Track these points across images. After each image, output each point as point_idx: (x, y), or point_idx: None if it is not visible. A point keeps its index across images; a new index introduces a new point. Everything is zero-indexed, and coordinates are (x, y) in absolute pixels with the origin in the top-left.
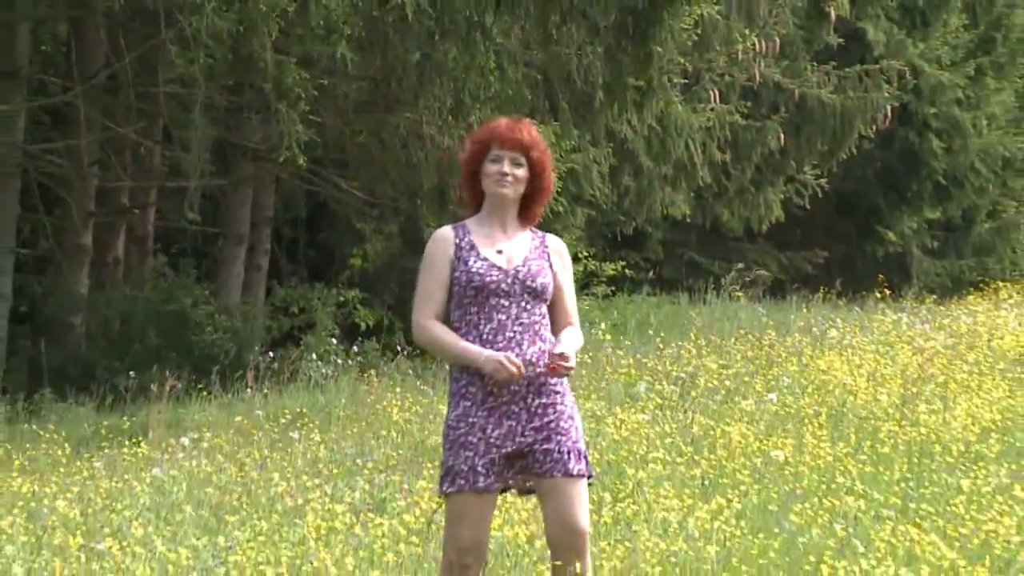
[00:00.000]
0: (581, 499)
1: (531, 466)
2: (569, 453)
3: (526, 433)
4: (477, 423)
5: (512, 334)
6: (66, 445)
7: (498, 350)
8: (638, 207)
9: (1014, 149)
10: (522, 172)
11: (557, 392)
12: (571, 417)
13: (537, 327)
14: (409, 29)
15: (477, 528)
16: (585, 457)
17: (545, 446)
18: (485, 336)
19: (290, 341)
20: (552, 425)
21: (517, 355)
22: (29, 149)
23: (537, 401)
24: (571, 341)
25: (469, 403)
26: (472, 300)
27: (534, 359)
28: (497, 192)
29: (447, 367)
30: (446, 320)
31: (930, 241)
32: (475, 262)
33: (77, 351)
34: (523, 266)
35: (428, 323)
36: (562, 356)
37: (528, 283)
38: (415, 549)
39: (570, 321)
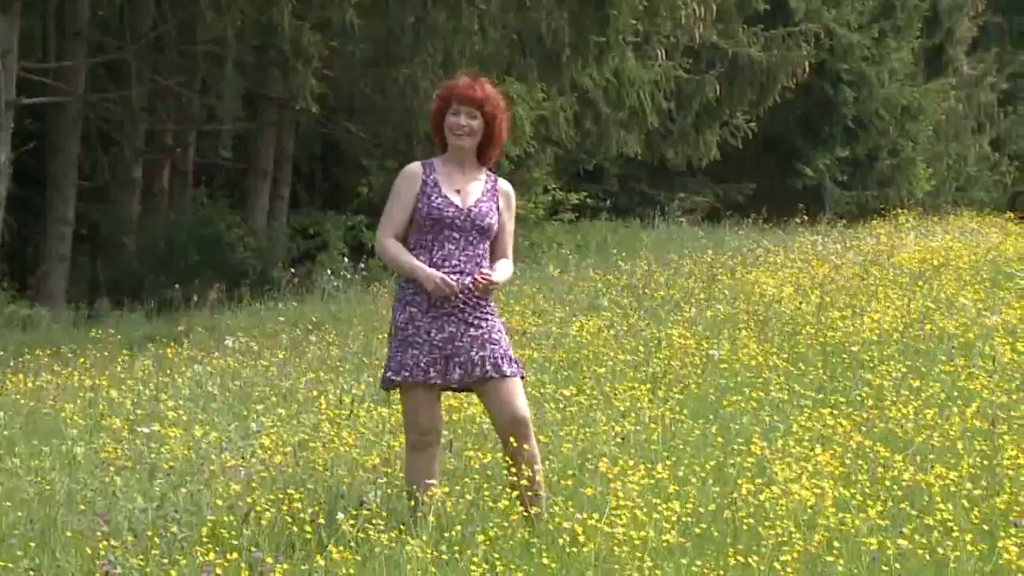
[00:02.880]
0: (517, 394)
1: (471, 370)
2: (501, 358)
3: (464, 339)
4: (422, 327)
5: (457, 262)
6: (121, 346)
7: (444, 273)
8: (598, 147)
9: (911, 98)
10: (477, 123)
11: (488, 311)
12: (500, 331)
13: (479, 259)
14: None
15: (431, 413)
16: (516, 361)
17: (481, 353)
18: (435, 260)
19: (307, 259)
20: (485, 336)
21: (457, 280)
22: (89, 98)
23: (473, 314)
24: (503, 269)
25: (415, 309)
26: (429, 229)
27: (469, 283)
28: (455, 142)
29: (396, 277)
30: (404, 241)
31: (840, 175)
32: (436, 198)
33: (129, 267)
34: (475, 207)
35: (387, 241)
36: (487, 277)
37: (478, 221)
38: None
39: (506, 254)
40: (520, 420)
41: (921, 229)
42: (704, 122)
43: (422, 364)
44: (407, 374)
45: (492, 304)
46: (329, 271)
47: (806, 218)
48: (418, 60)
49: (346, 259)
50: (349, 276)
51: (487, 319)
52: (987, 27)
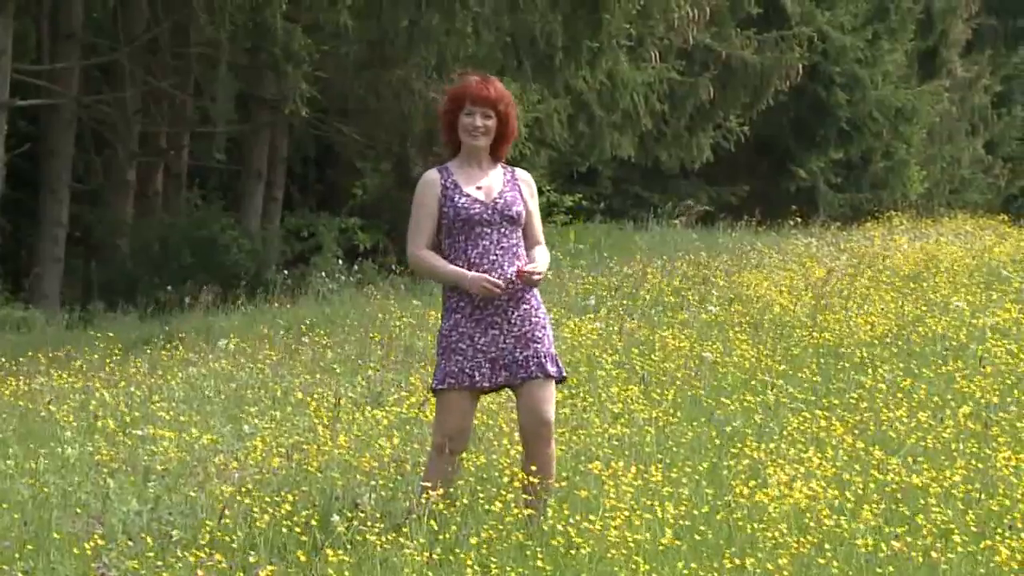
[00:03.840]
0: (550, 396)
1: (516, 371)
2: (546, 357)
3: (507, 340)
4: (466, 332)
5: (495, 257)
6: (114, 348)
7: (484, 270)
8: (591, 149)
9: (904, 101)
10: (492, 123)
11: (532, 305)
12: (544, 327)
13: (515, 249)
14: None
15: (462, 419)
16: (558, 362)
17: (525, 353)
18: (472, 259)
19: (301, 261)
20: (529, 334)
21: (499, 275)
22: (83, 100)
23: (516, 313)
24: (541, 257)
25: (459, 316)
26: (460, 230)
27: (512, 276)
28: (471, 143)
29: (440, 287)
30: (436, 249)
31: (834, 177)
32: (460, 198)
33: (123, 269)
34: (500, 198)
35: (421, 252)
36: (531, 270)
37: (505, 212)
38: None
39: (539, 240)
40: (546, 423)
41: (915, 231)
42: (697, 124)
43: (467, 370)
44: (452, 380)
45: (537, 297)
46: (323, 273)
47: (799, 220)
48: (411, 62)
49: (340, 261)
50: (343, 278)
51: (531, 316)
52: (981, 29)
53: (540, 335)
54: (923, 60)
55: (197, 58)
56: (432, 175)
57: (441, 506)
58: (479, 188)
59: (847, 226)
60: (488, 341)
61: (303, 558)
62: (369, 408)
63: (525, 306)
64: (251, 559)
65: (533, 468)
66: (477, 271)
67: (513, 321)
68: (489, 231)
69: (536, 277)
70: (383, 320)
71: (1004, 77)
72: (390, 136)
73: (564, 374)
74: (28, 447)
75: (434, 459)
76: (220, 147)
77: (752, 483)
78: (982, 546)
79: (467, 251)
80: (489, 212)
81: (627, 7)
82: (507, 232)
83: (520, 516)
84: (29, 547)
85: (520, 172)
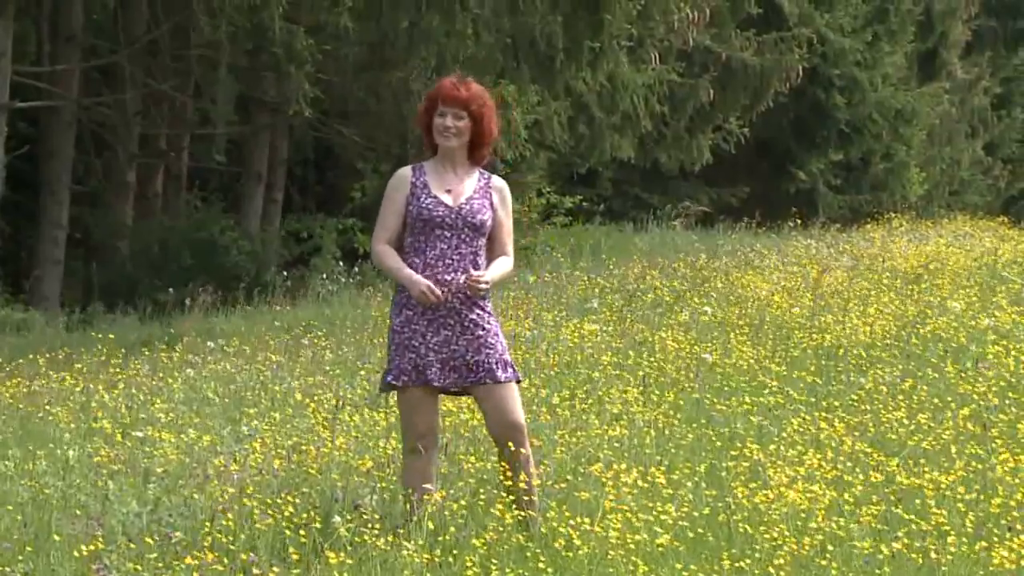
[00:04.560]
0: (513, 399)
1: (467, 375)
2: (496, 363)
3: (459, 342)
4: (419, 330)
5: (451, 261)
6: (114, 350)
7: (436, 273)
8: (591, 151)
9: (904, 102)
10: (464, 123)
11: (485, 312)
12: (496, 335)
13: (474, 256)
14: (399, 1)
15: (429, 416)
16: (511, 366)
17: (476, 357)
18: (428, 261)
19: (301, 263)
20: (481, 340)
21: (452, 278)
22: (83, 102)
23: (469, 317)
24: (496, 268)
25: (411, 312)
26: (420, 230)
27: (462, 282)
28: (443, 144)
29: (392, 282)
30: (400, 244)
31: (834, 179)
32: (425, 199)
33: (123, 271)
34: (466, 204)
35: (381, 247)
36: (476, 278)
37: (469, 219)
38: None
39: (505, 252)
40: (514, 425)
41: (914, 233)
42: (697, 126)
43: (420, 367)
44: (405, 378)
45: (489, 305)
46: (323, 275)
47: (799, 222)
48: (411, 64)
49: (340, 263)
50: (343, 280)
51: (484, 322)
52: (980, 31)
53: (492, 341)
54: (923, 62)
55: (197, 60)
56: (405, 172)
57: (448, 506)
58: (448, 191)
59: (847, 228)
60: (440, 341)
61: (303, 560)
62: (368, 410)
63: (479, 311)
64: (251, 561)
65: (509, 473)
66: (430, 272)
67: (466, 324)
68: (449, 235)
69: (482, 286)
70: (382, 321)
71: (1004, 79)
72: (390, 138)
73: (519, 376)
74: (28, 449)
75: (411, 462)
76: (220, 149)
77: (752, 485)
78: (980, 547)
79: (425, 252)
80: (452, 216)
81: (627, 9)
82: (468, 238)
83: (518, 518)
84: (29, 549)
85: (496, 180)
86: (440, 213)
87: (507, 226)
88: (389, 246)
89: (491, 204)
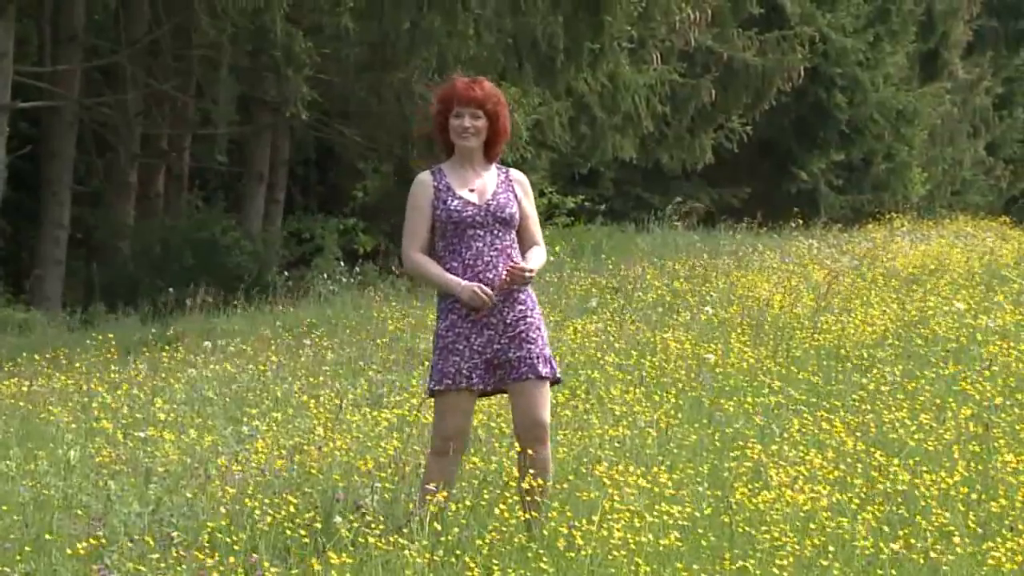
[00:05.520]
0: (544, 397)
1: (509, 372)
2: (538, 358)
3: (502, 341)
4: (463, 333)
5: (489, 258)
6: (115, 350)
7: (477, 273)
8: (592, 151)
9: (906, 102)
10: (481, 123)
11: (527, 306)
12: (539, 328)
13: (509, 250)
14: (401, 1)
15: (461, 420)
16: (552, 363)
17: (518, 353)
18: (466, 261)
19: (302, 263)
20: (523, 335)
21: (494, 276)
22: (84, 102)
23: (511, 313)
24: (534, 257)
25: (456, 316)
26: (453, 233)
27: (503, 274)
28: (462, 144)
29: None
30: (431, 251)
31: (835, 179)
32: (452, 201)
33: (124, 271)
34: (492, 200)
35: (416, 256)
36: (520, 268)
37: (498, 214)
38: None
39: (536, 241)
40: (541, 424)
41: (916, 233)
42: (699, 126)
43: (464, 371)
44: (449, 382)
45: (531, 297)
46: (324, 275)
47: (801, 222)
48: (413, 64)
49: (341, 263)
50: (344, 280)
51: (525, 317)
52: (982, 31)
53: (534, 336)
54: (924, 62)
55: (198, 60)
56: (425, 177)
57: (452, 507)
58: (472, 190)
59: (848, 228)
60: (484, 342)
61: (305, 560)
62: (370, 410)
63: (520, 307)
64: (253, 561)
65: (531, 471)
66: (471, 273)
67: (508, 322)
68: (482, 233)
69: (527, 275)
70: (384, 322)
71: (1005, 79)
72: (391, 138)
73: (558, 375)
74: (29, 449)
75: (434, 462)
76: (221, 149)
77: (754, 485)
78: (983, 547)
79: (461, 253)
80: (482, 214)
81: (628, 9)
82: (500, 234)
83: (522, 518)
84: (30, 549)
85: (514, 173)
86: (470, 212)
87: (533, 216)
88: (423, 254)
89: (515, 197)
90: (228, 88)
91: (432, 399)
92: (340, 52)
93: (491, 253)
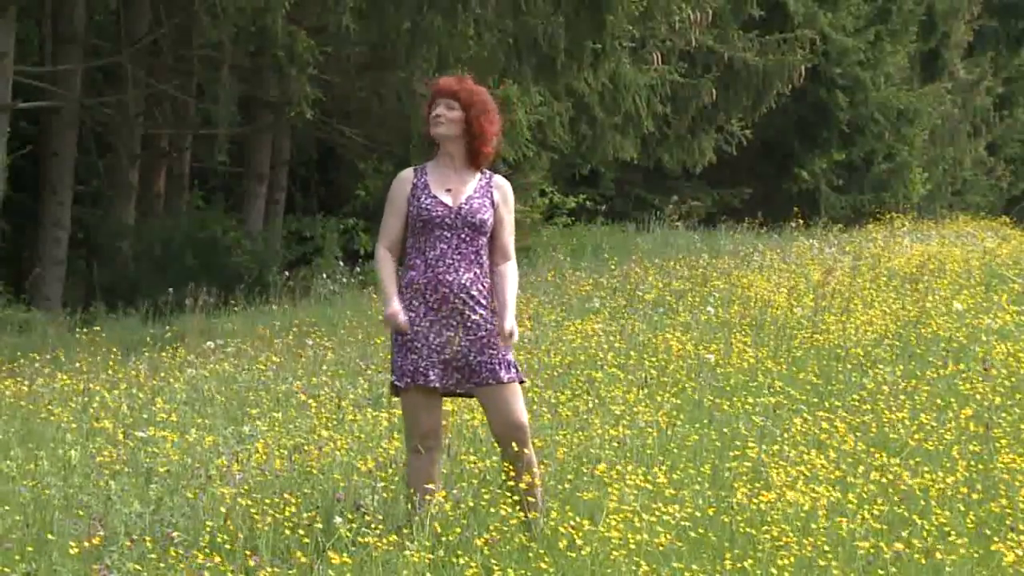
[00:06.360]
0: (516, 400)
1: (469, 376)
2: (499, 364)
3: (462, 343)
4: (420, 331)
5: (452, 261)
6: (115, 350)
7: (438, 274)
8: (593, 151)
9: (906, 102)
10: (455, 115)
11: (487, 312)
12: (498, 335)
13: (474, 256)
14: (401, 1)
15: (432, 416)
16: (515, 366)
17: (479, 358)
18: (429, 261)
19: (303, 263)
20: (484, 339)
21: (453, 279)
22: (85, 102)
23: (471, 318)
24: (510, 302)
25: (413, 314)
26: (421, 231)
27: (467, 280)
28: (433, 132)
29: (399, 283)
30: (403, 245)
31: (836, 179)
32: (425, 199)
33: (125, 271)
34: (466, 203)
35: (381, 252)
36: (504, 338)
37: (469, 218)
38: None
39: (507, 255)
40: (517, 426)
41: (917, 233)
42: (700, 126)
43: (421, 368)
44: (408, 379)
45: (489, 306)
46: (325, 275)
47: (801, 222)
48: (413, 64)
49: (341, 263)
50: (345, 280)
51: (486, 323)
52: (982, 31)
53: (495, 341)
54: (925, 62)
55: (199, 60)
56: (406, 174)
57: (448, 507)
58: (448, 191)
59: (849, 228)
60: (443, 342)
61: (305, 560)
62: (370, 409)
63: (481, 311)
64: (252, 562)
65: (514, 471)
66: (432, 273)
67: (468, 325)
68: (449, 235)
69: (514, 339)
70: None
71: (1006, 79)
72: (392, 138)
73: (523, 377)
74: (29, 449)
75: (413, 461)
76: (222, 149)
77: (754, 485)
78: (984, 548)
79: (425, 252)
80: (452, 216)
81: (629, 9)
82: (468, 239)
83: (521, 519)
84: (30, 549)
85: (497, 179)
86: (439, 213)
87: (509, 224)
88: (389, 252)
89: (492, 202)
90: (229, 88)
91: (398, 398)
92: (340, 52)
93: (455, 256)
